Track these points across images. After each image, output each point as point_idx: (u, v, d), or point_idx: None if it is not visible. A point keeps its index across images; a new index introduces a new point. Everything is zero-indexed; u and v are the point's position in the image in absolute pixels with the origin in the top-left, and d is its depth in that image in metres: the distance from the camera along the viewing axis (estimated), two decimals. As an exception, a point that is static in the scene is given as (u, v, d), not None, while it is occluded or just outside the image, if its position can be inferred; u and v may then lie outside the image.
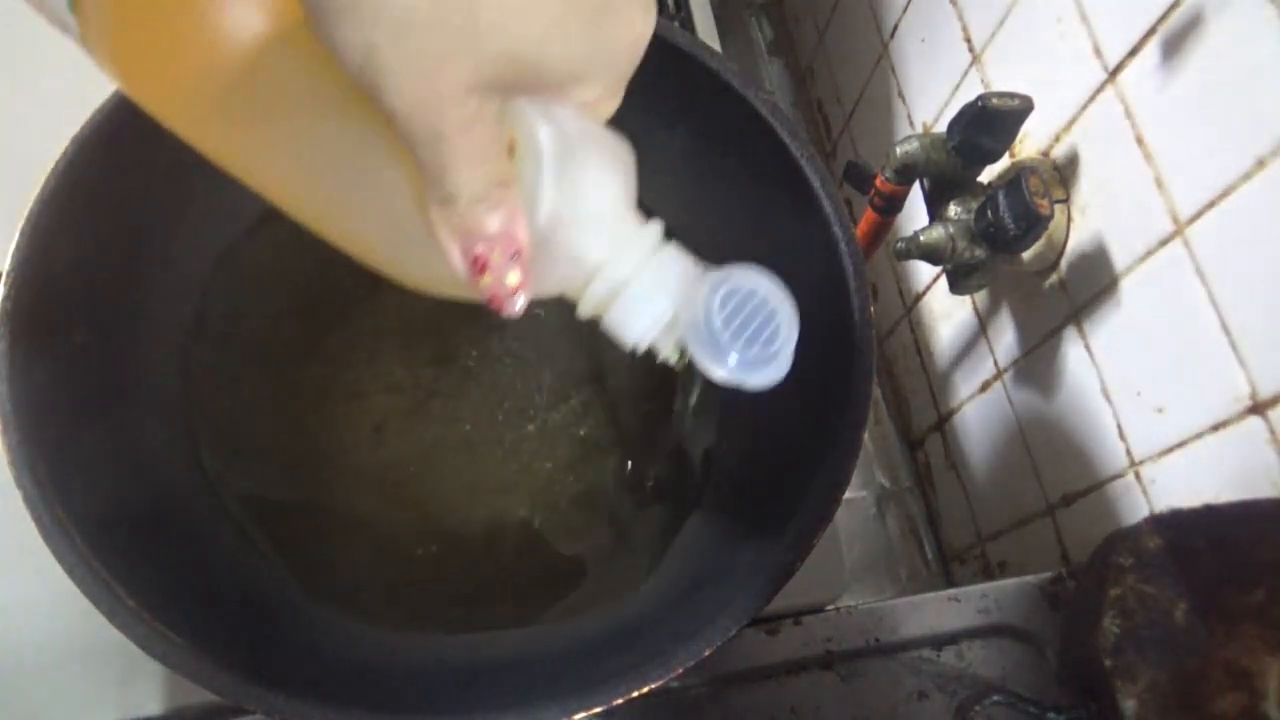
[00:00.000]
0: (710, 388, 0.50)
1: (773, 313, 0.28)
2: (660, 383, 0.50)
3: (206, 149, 0.27)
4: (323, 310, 0.50)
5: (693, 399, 0.49)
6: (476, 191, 0.24)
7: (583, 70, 0.25)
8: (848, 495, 0.39)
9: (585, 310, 0.28)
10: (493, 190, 0.24)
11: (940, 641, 0.47)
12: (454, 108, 0.22)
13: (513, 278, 0.25)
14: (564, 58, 0.24)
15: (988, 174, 0.55)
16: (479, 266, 0.25)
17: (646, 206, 0.29)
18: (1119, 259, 0.49)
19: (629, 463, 0.49)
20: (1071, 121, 0.52)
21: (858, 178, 0.60)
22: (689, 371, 0.46)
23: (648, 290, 0.27)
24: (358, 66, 0.21)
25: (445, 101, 0.22)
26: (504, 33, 0.22)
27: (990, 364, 0.65)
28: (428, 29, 0.21)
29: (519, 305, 0.26)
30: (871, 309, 0.42)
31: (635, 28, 0.26)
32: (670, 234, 0.29)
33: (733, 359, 0.27)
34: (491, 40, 0.22)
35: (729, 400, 0.50)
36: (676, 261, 0.28)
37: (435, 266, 0.26)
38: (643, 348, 0.28)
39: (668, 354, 0.28)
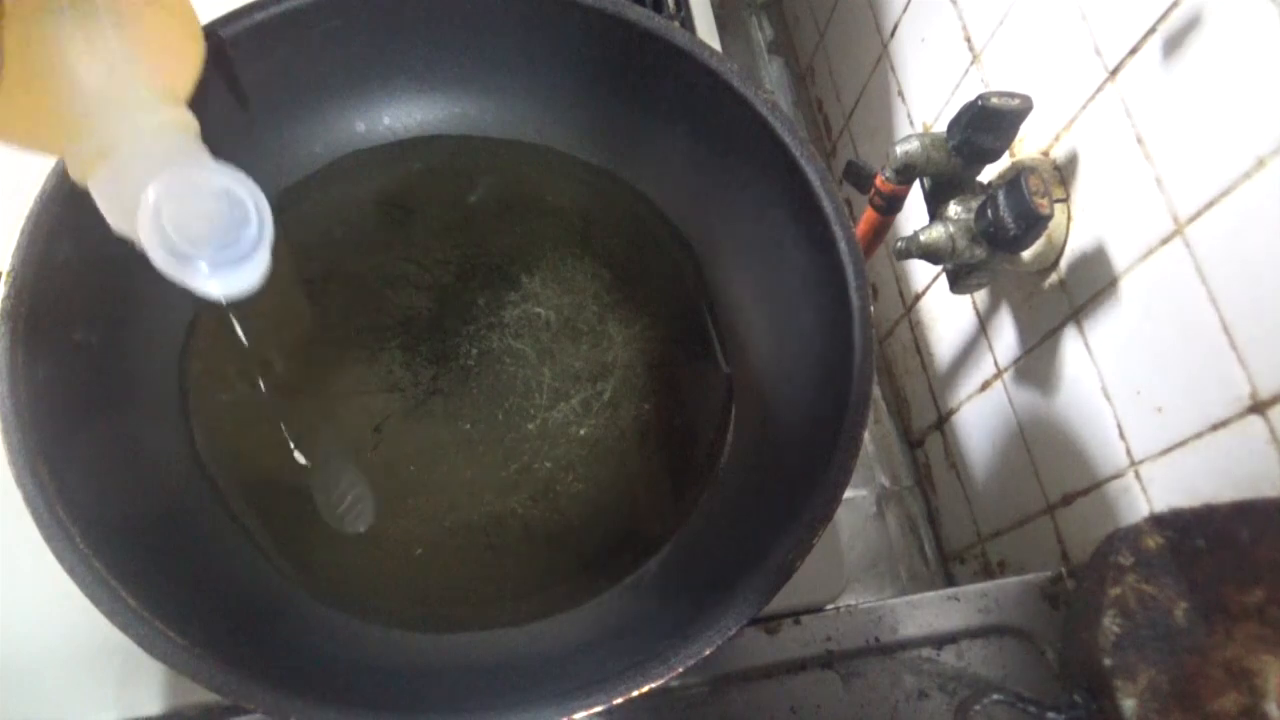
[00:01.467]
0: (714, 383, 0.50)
1: (239, 210, 0.28)
2: (661, 382, 0.50)
3: None
4: (322, 309, 0.50)
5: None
6: None
7: None
8: (848, 495, 0.39)
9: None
10: None
11: (940, 641, 0.47)
12: None
13: None
14: None
15: (988, 173, 0.55)
16: None
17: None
18: (1119, 259, 0.49)
19: (629, 463, 0.49)
20: (1071, 121, 0.52)
21: (858, 177, 0.60)
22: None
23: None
24: None
25: None
26: None
27: (990, 364, 0.65)
28: None
29: None
30: (871, 309, 0.42)
31: None
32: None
33: (202, 266, 0.27)
34: None
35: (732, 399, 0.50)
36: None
37: None
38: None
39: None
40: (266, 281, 0.30)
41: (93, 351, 0.42)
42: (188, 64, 0.34)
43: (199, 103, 0.46)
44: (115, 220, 0.30)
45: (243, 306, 0.48)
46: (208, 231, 0.27)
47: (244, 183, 0.29)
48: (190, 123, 0.32)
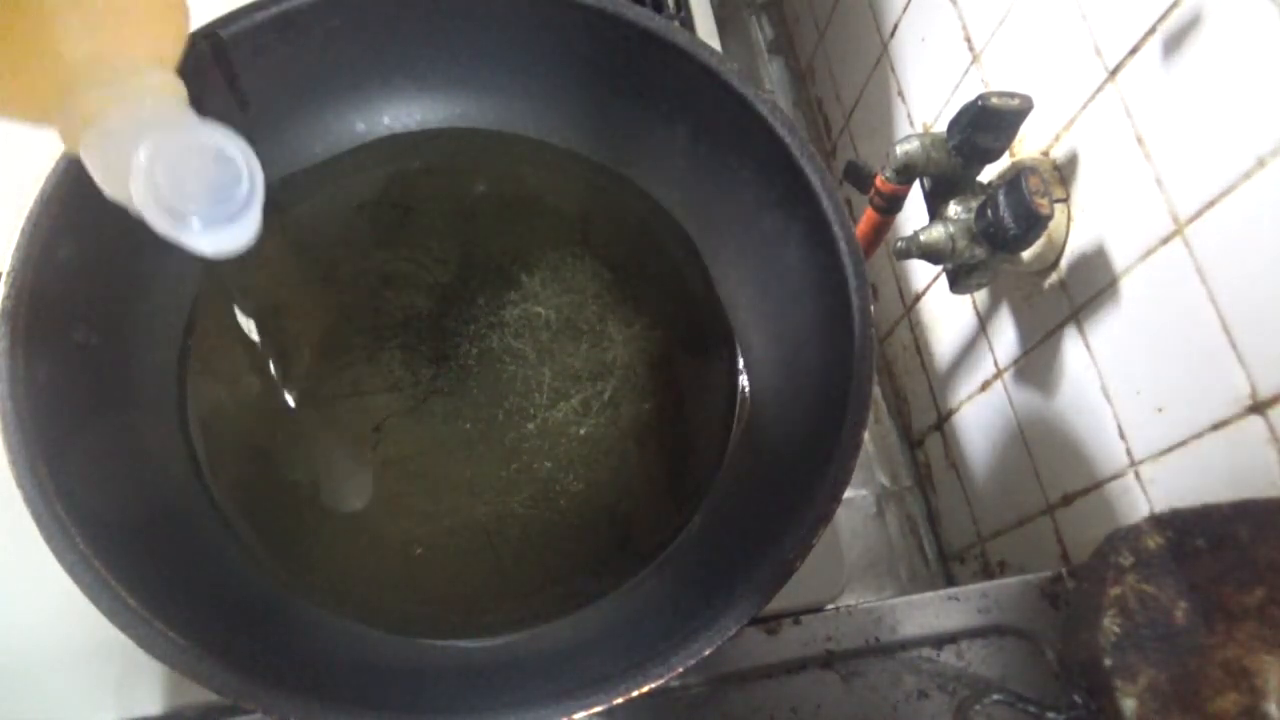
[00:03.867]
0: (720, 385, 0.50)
1: (230, 167, 0.28)
2: (661, 382, 0.50)
3: None
4: (322, 309, 0.50)
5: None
6: None
7: None
8: (848, 495, 0.39)
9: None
10: None
11: (940, 641, 0.47)
12: None
13: None
14: None
15: (988, 173, 0.55)
16: None
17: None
18: (1119, 259, 0.49)
19: (629, 463, 0.49)
20: (1071, 121, 0.52)
21: (858, 177, 0.60)
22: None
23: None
24: None
25: None
26: None
27: (990, 364, 0.65)
28: None
29: None
30: (871, 309, 0.42)
31: None
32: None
33: (195, 223, 0.27)
34: None
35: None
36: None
37: None
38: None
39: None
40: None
41: (93, 351, 0.42)
42: (174, 28, 0.33)
43: (199, 103, 0.46)
44: (108, 187, 0.30)
45: (245, 304, 0.48)
46: (200, 189, 0.28)
47: (234, 140, 0.29)
48: (178, 87, 0.31)
